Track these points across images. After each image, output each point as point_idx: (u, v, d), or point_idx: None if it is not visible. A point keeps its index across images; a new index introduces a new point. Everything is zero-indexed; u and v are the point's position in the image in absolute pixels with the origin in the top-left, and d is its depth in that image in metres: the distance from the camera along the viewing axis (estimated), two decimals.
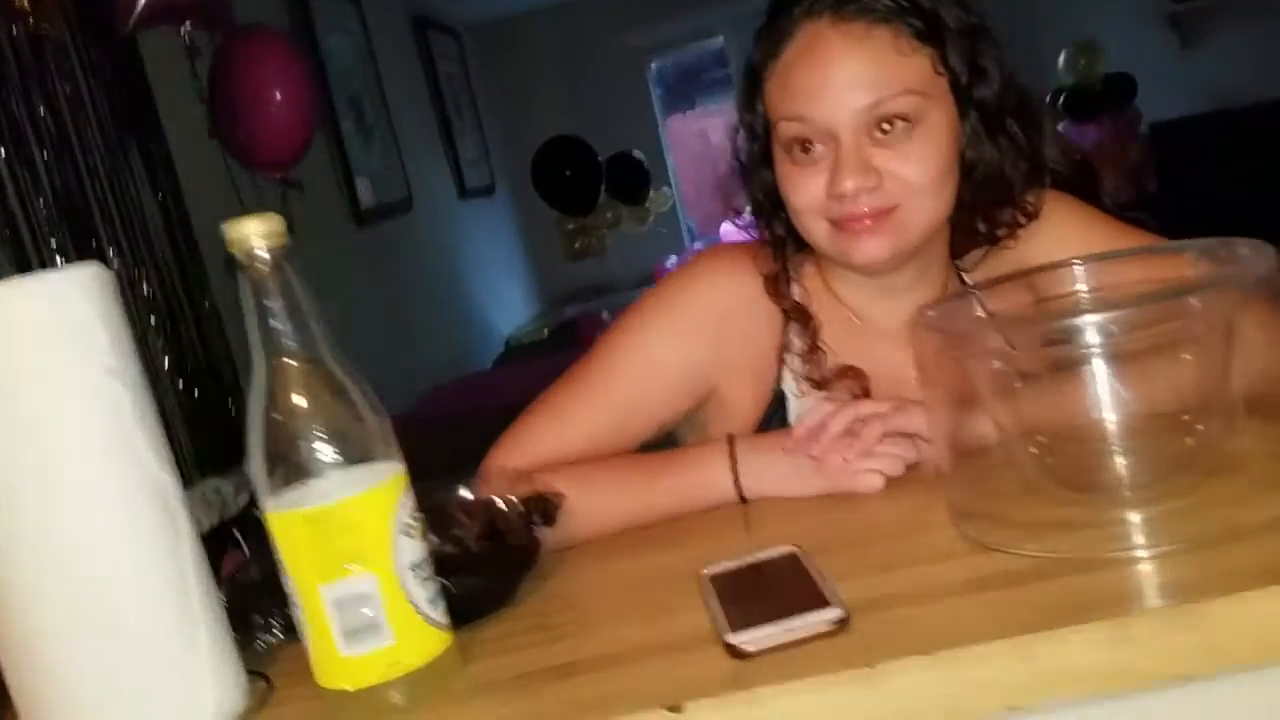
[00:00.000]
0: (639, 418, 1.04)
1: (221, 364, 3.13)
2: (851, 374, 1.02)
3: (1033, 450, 0.78)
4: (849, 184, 0.94)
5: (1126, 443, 0.75)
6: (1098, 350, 0.72)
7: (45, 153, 2.56)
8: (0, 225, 2.40)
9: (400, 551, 0.70)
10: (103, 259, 2.72)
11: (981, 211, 1.01)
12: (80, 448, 0.71)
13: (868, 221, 0.95)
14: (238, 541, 1.27)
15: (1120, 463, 0.76)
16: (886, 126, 0.94)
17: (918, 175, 0.94)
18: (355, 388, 0.73)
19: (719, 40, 6.09)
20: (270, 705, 0.77)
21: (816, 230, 0.99)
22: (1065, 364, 0.75)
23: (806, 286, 1.08)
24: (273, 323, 0.71)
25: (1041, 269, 0.89)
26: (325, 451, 0.70)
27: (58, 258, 2.55)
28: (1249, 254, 0.72)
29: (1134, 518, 0.73)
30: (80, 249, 2.65)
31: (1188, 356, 0.74)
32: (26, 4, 2.56)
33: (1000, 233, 1.03)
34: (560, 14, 5.90)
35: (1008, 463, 0.79)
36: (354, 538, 0.69)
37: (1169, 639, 0.61)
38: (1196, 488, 0.73)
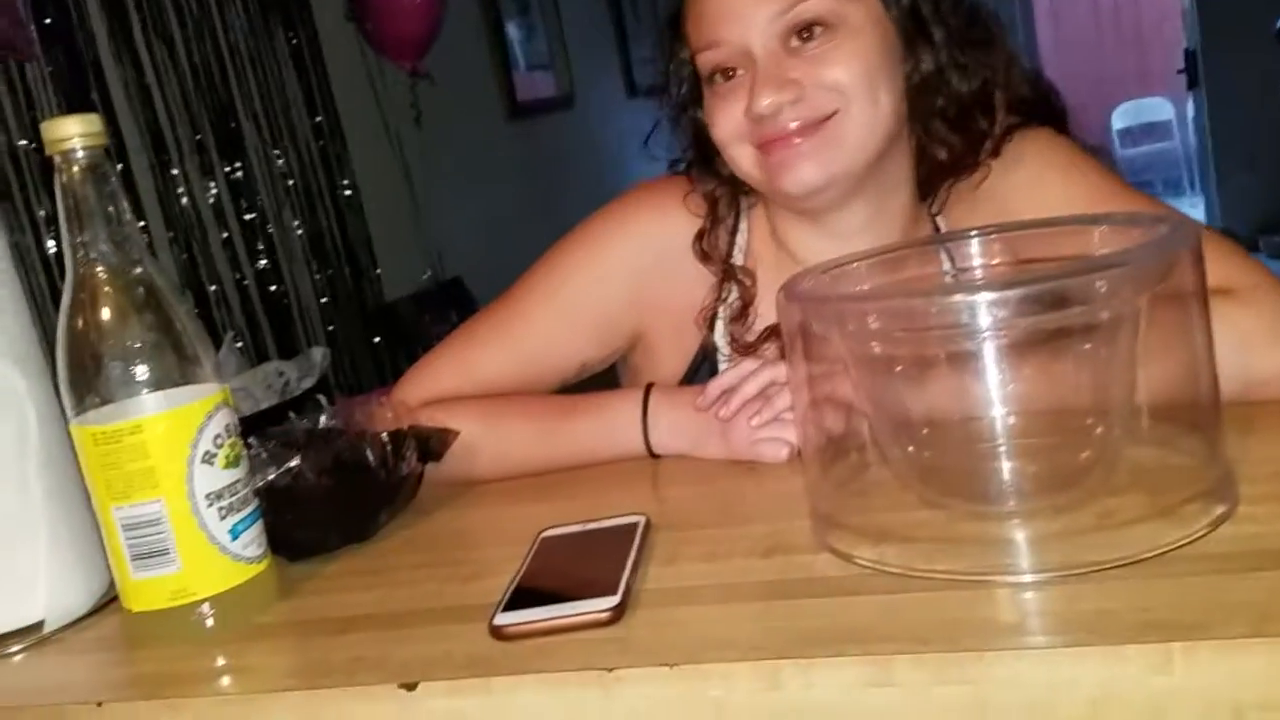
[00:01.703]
0: (550, 359, 0.97)
1: (358, 246, 3.23)
2: (779, 333, 0.91)
3: (909, 447, 0.67)
4: (765, 101, 0.85)
5: (1015, 446, 0.64)
6: (988, 337, 0.61)
7: (185, 30, 2.66)
8: (136, 99, 2.52)
9: (196, 479, 0.68)
10: (240, 137, 2.83)
11: (934, 136, 0.89)
12: None
13: (795, 140, 0.86)
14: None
15: (1006, 468, 0.64)
16: (805, 33, 0.85)
17: (843, 76, 0.85)
18: (175, 305, 0.70)
19: None
20: (107, 612, 0.77)
21: (743, 159, 0.90)
22: (951, 352, 0.64)
23: (752, 235, 0.98)
24: (86, 228, 0.68)
25: (1013, 226, 0.76)
26: (131, 369, 0.68)
27: (194, 134, 2.67)
28: (1168, 234, 0.58)
29: (1010, 535, 0.62)
30: (217, 127, 2.76)
31: (1089, 348, 0.62)
32: None
33: (964, 161, 0.90)
34: None
35: (878, 459, 0.69)
36: (144, 460, 0.67)
37: (943, 691, 0.51)
38: (1085, 504, 0.62)
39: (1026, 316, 0.59)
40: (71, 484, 0.79)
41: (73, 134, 0.68)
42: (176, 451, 0.67)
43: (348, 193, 3.18)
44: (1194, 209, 5.82)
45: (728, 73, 0.89)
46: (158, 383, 0.68)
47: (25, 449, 0.75)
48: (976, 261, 0.73)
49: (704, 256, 0.96)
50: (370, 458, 0.81)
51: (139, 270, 0.69)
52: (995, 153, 0.91)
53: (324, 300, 3.06)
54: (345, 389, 2.80)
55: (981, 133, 0.90)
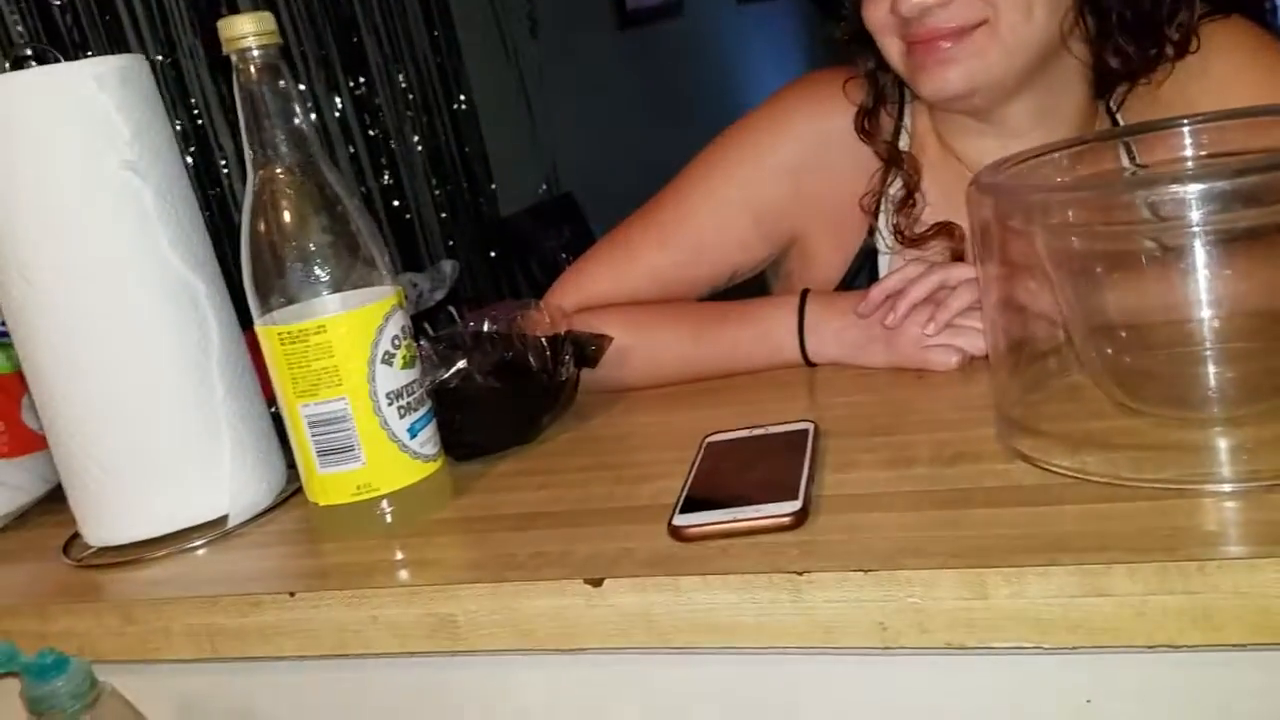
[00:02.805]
0: (705, 260, 0.95)
1: (474, 161, 3.24)
2: (947, 231, 0.88)
3: (1107, 350, 0.64)
4: (912, 1, 0.81)
5: (1222, 350, 0.60)
6: (1196, 232, 0.57)
7: None
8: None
9: (377, 378, 0.69)
10: (363, 53, 2.85)
11: (1109, 43, 0.83)
12: (101, 239, 0.74)
13: (943, 44, 0.82)
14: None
15: (1212, 373, 0.61)
16: None
17: None
18: (350, 206, 0.71)
19: None
20: (285, 508, 0.80)
21: (892, 51, 0.87)
22: (1153, 248, 0.60)
23: (915, 128, 0.94)
24: (264, 128, 0.69)
25: (1202, 118, 0.71)
26: (313, 270, 0.69)
27: (319, 48, 2.69)
28: None
29: (1218, 442, 0.59)
30: (340, 41, 2.78)
31: None
32: None
33: (1138, 68, 0.84)
34: None
35: (1074, 363, 0.66)
36: (328, 359, 0.68)
37: (1161, 600, 0.49)
38: None
39: (1236, 211, 0.55)
40: (249, 384, 0.81)
41: (248, 32, 0.68)
42: (359, 351, 0.68)
43: (464, 108, 3.19)
44: None
45: None
46: (338, 283, 0.69)
47: (208, 350, 0.78)
48: (1162, 156, 0.68)
49: (866, 135, 0.93)
50: (532, 361, 0.81)
51: (316, 171, 0.70)
52: (1180, 54, 0.85)
53: (443, 215, 3.10)
54: (467, 302, 2.84)
55: (1163, 36, 0.84)
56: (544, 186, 3.37)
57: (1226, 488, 0.54)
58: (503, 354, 0.80)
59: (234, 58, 0.68)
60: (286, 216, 0.69)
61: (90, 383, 0.75)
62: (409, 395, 0.71)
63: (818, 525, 0.59)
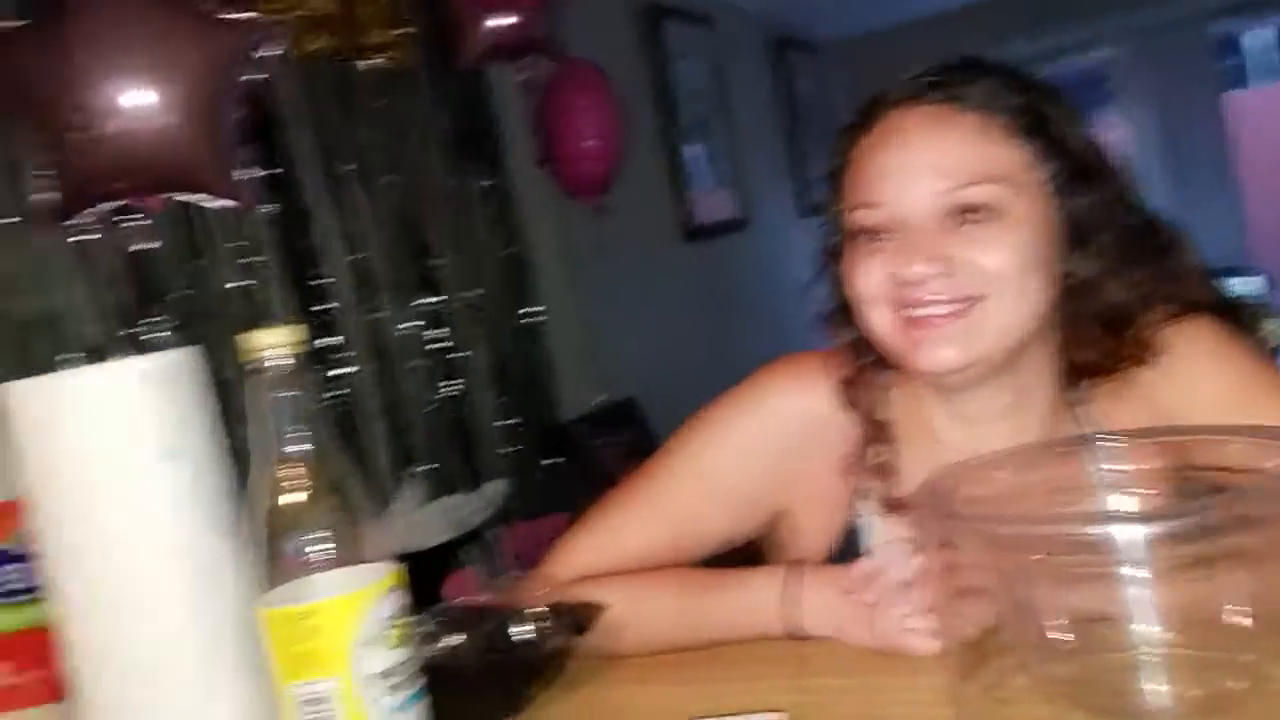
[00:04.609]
0: (693, 534, 0.99)
1: (537, 369, 3.36)
2: None
3: (1053, 661, 0.66)
4: (915, 269, 0.85)
5: (1163, 664, 0.62)
6: (1131, 566, 0.60)
7: (389, 176, 2.89)
8: (341, 240, 2.75)
9: (363, 659, 0.73)
10: (434, 272, 3.02)
11: (1083, 336, 0.87)
12: (135, 520, 0.81)
13: (939, 319, 0.85)
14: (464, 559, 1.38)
15: (1153, 689, 0.62)
16: (967, 213, 0.85)
17: (998, 264, 0.84)
18: (352, 489, 0.77)
19: (1105, 52, 5.58)
20: None
21: (880, 322, 0.89)
22: (1097, 574, 0.63)
23: (892, 399, 0.98)
24: (278, 427, 0.76)
25: (1159, 432, 0.75)
26: (308, 555, 0.75)
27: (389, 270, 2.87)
28: None
29: None
30: (416, 258, 2.97)
31: (1243, 572, 0.60)
32: (383, 40, 2.89)
33: (1112, 362, 0.88)
34: (935, 26, 5.69)
35: (1017, 667, 0.67)
36: (313, 641, 0.73)
37: None
38: None
39: (1177, 546, 0.58)
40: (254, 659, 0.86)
41: (266, 345, 0.76)
42: (342, 634, 0.73)
43: (531, 320, 3.33)
44: None
45: (877, 234, 0.89)
46: (347, 563, 0.74)
47: (218, 625, 0.83)
48: (1123, 465, 0.71)
49: (849, 403, 0.96)
50: (521, 633, 0.84)
51: (322, 462, 0.76)
52: (1143, 353, 0.88)
53: (504, 423, 3.19)
54: (523, 509, 2.88)
55: (1134, 337, 0.88)
56: (604, 395, 3.47)
57: None
58: (492, 626, 0.83)
59: (253, 364, 0.76)
60: (293, 511, 0.75)
61: (104, 652, 0.80)
62: (398, 675, 0.74)
63: None
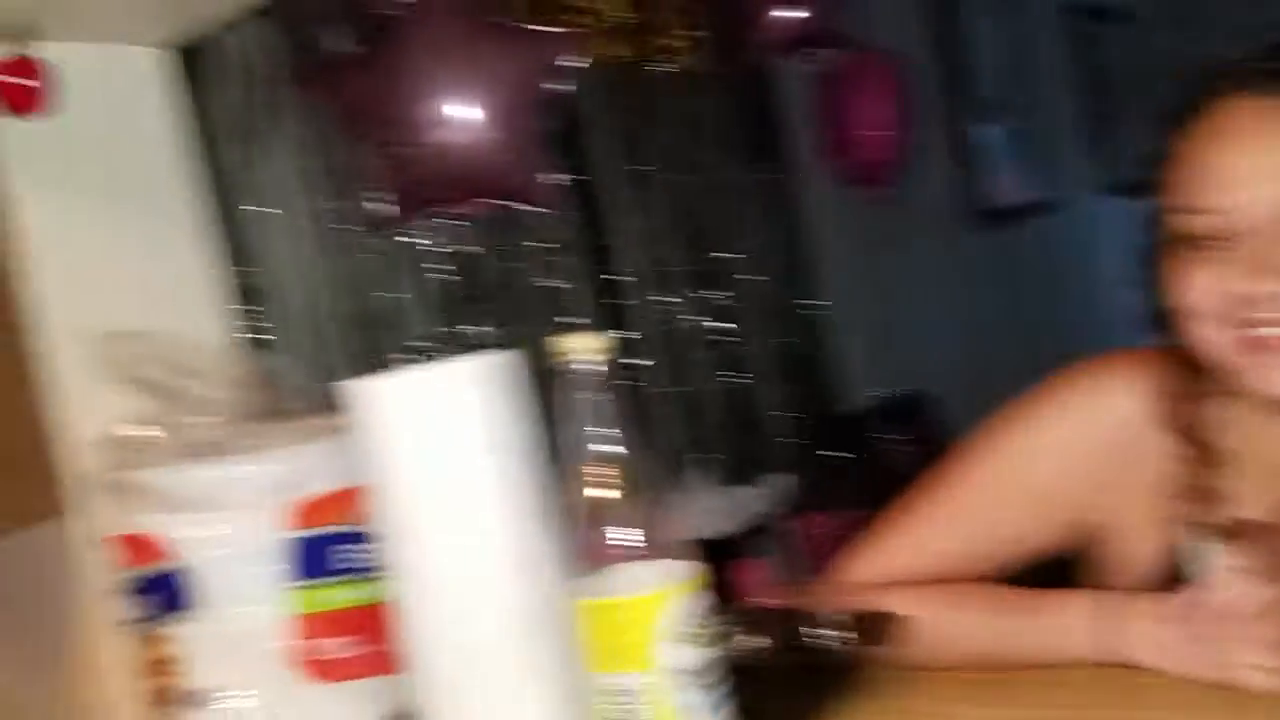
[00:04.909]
0: (1000, 544, 0.94)
1: (821, 363, 3.33)
2: (1268, 534, 0.81)
3: None
4: (1269, 287, 0.76)
5: None
6: None
7: (679, 174, 2.95)
8: (635, 238, 2.84)
9: (668, 655, 0.75)
10: (721, 264, 3.07)
11: None
12: (464, 513, 0.87)
13: None
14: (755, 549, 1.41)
15: None
16: None
17: None
18: (657, 490, 0.79)
19: None
20: None
21: (1213, 340, 0.81)
22: None
23: (1221, 418, 0.89)
24: (583, 427, 0.79)
25: None
26: (619, 548, 0.78)
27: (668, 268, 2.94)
28: None
29: None
30: (703, 252, 3.02)
31: None
32: (676, 43, 2.96)
33: None
34: None
35: None
36: (622, 635, 0.75)
37: None
38: None
39: None
40: (575, 653, 0.90)
41: (574, 349, 0.80)
42: (648, 630, 0.75)
43: (815, 311, 3.31)
44: None
45: (1208, 241, 0.81)
46: (640, 562, 0.77)
47: (539, 611, 0.88)
48: None
49: (1172, 418, 0.89)
50: (823, 637, 0.84)
51: (626, 461, 0.79)
52: None
53: (788, 415, 3.18)
54: (806, 503, 2.87)
55: None
56: (891, 388, 3.38)
57: None
58: (796, 630, 0.84)
59: (561, 367, 0.80)
60: (597, 507, 0.79)
61: (436, 629, 0.88)
62: (705, 675, 0.76)
63: None
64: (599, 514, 0.79)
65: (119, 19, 1.10)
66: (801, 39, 2.94)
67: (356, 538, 1.04)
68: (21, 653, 1.17)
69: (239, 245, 1.48)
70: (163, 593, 0.99)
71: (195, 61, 1.33)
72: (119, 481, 0.98)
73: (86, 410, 1.02)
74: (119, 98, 1.14)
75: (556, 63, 1.68)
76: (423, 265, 2.04)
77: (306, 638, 1.02)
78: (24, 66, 1.01)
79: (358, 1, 1.66)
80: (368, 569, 1.04)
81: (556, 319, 2.49)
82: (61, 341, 1.04)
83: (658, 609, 0.76)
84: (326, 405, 1.12)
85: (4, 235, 1.03)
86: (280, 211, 1.63)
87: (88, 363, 0.99)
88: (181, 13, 1.15)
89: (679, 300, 2.91)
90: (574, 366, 0.79)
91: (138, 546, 0.99)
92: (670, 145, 2.93)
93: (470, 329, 2.10)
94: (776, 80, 3.21)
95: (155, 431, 1.00)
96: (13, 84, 1.01)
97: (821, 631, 0.84)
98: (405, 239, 2.01)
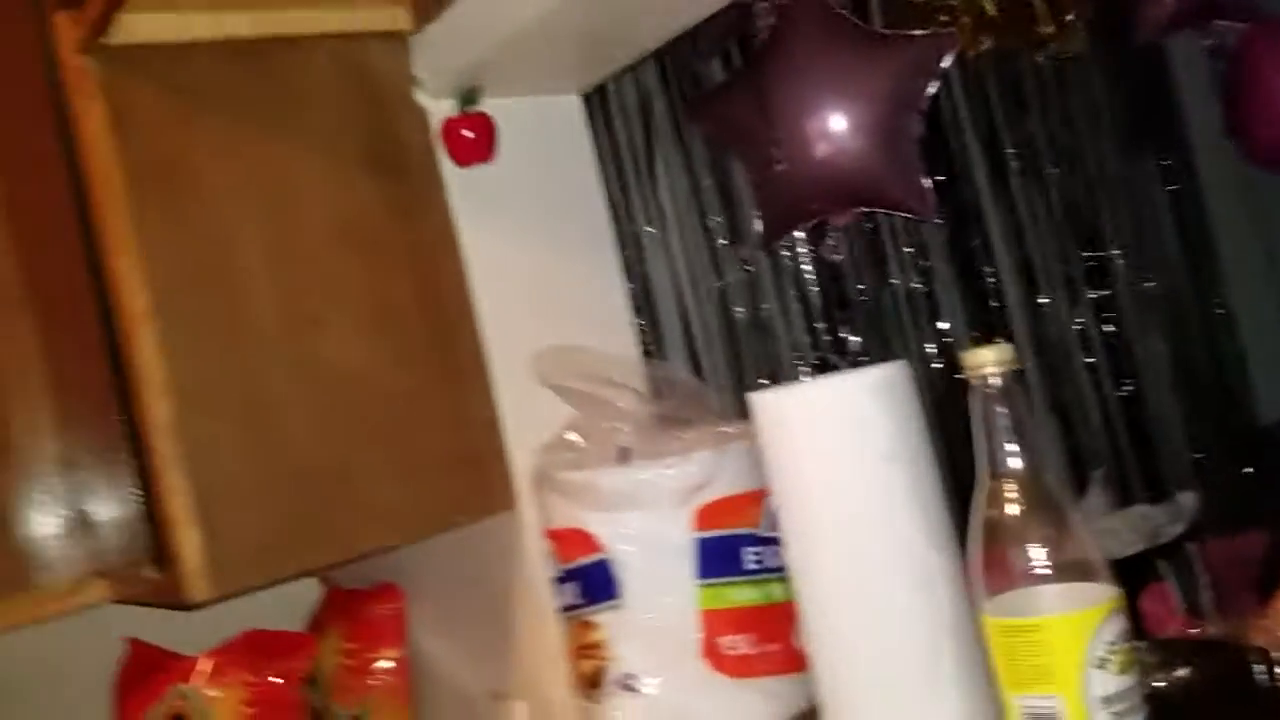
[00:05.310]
0: None
1: (1228, 366, 3.02)
2: None
3: None
4: None
5: None
6: None
7: (1057, 168, 2.80)
8: (1008, 237, 2.72)
9: (1091, 681, 0.73)
10: (1104, 261, 2.87)
11: None
12: (860, 520, 0.89)
13: None
14: (1160, 573, 1.36)
15: None
16: None
17: None
18: (1070, 508, 0.77)
19: None
20: None
21: None
22: None
23: None
24: (997, 440, 0.79)
25: None
26: (1036, 567, 0.76)
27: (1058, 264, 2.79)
28: None
29: None
30: (1085, 248, 2.84)
31: None
32: (1053, 30, 2.80)
33: None
34: None
35: None
36: (1042, 657, 0.74)
37: None
38: None
39: None
40: (978, 667, 0.90)
41: (988, 361, 0.79)
42: (1073, 653, 0.73)
43: (1219, 311, 3.01)
44: None
45: None
46: (1067, 579, 0.75)
47: (938, 622, 0.89)
48: None
49: None
50: (1254, 674, 0.78)
51: (1040, 481, 0.78)
52: None
53: (1189, 426, 2.92)
54: (1217, 523, 2.61)
55: None
56: None
57: None
58: (1221, 662, 0.78)
59: (974, 379, 0.80)
60: (1013, 523, 0.78)
61: (840, 635, 0.91)
62: (1123, 701, 0.73)
63: None
64: (1008, 531, 0.78)
65: (546, 74, 1.24)
66: (1196, 13, 2.69)
67: (758, 540, 1.10)
68: (476, 633, 1.35)
69: (639, 265, 1.60)
70: (592, 582, 1.09)
71: (598, 101, 1.46)
72: (558, 480, 1.10)
73: (530, 417, 1.16)
74: (546, 141, 1.29)
75: (930, 65, 1.66)
76: (801, 276, 2.09)
77: (713, 633, 1.09)
78: (472, 123, 1.16)
79: (735, 29, 1.74)
80: (769, 570, 1.09)
81: (933, 327, 2.46)
82: (507, 356, 1.19)
83: (1081, 630, 0.74)
84: (728, 414, 1.19)
85: (458, 269, 1.20)
86: (674, 232, 1.75)
87: (528, 374, 1.13)
88: (595, 63, 1.28)
89: (1057, 302, 2.76)
90: (984, 379, 0.79)
91: (572, 540, 1.11)
92: (1048, 137, 2.78)
93: (849, 337, 2.13)
94: (1170, 55, 2.95)
95: (583, 436, 1.11)
96: (462, 138, 1.17)
97: (1264, 668, 0.78)
98: (785, 252, 2.07)
